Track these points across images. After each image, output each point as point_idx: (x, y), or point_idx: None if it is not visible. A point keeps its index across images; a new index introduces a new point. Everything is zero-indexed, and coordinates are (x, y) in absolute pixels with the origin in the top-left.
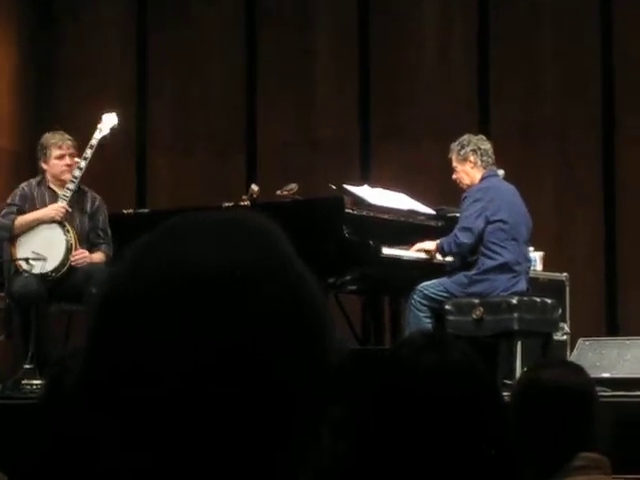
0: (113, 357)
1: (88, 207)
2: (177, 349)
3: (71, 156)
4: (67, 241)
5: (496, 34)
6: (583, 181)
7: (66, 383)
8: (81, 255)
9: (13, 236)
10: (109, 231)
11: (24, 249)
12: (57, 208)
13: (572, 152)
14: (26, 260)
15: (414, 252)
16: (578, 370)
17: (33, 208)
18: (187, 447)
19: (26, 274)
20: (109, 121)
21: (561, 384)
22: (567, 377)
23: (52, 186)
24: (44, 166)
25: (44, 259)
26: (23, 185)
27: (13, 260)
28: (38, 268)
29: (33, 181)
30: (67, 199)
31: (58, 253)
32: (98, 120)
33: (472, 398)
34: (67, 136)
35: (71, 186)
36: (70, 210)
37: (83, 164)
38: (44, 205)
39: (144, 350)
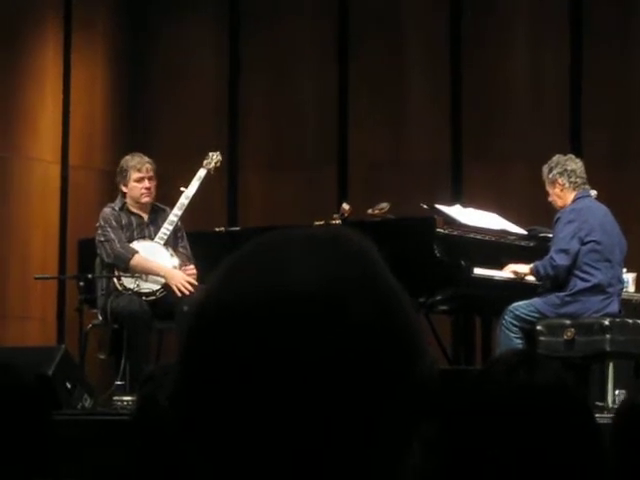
0: (205, 373)
1: None
2: (269, 365)
3: (150, 179)
4: (174, 266)
5: (589, 56)
6: None
7: (158, 400)
8: (193, 272)
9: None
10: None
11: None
12: (182, 281)
13: None
14: (131, 277)
15: (505, 272)
16: None
17: None
18: (278, 465)
19: (129, 292)
20: (214, 159)
21: None
22: None
23: (133, 209)
24: (124, 189)
25: (146, 277)
26: (109, 209)
27: (116, 276)
28: (140, 286)
29: (115, 206)
30: (168, 233)
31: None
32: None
33: (564, 418)
34: (146, 159)
35: (174, 218)
36: (196, 284)
37: (190, 194)
38: (131, 231)
39: (236, 366)
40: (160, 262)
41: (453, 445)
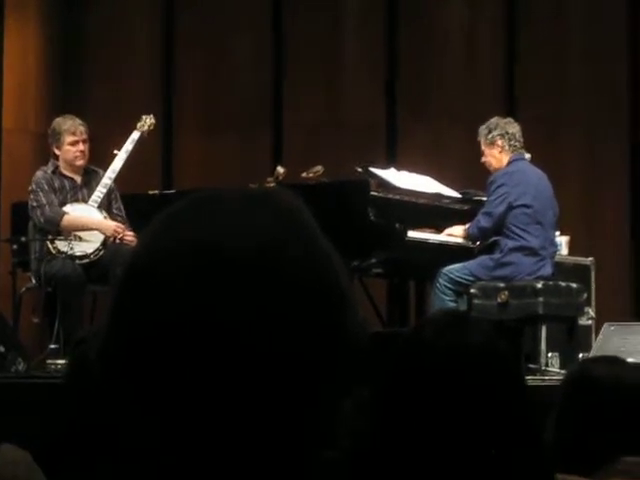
0: (132, 331)
1: None
2: (199, 320)
3: (84, 142)
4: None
5: (526, 20)
6: (609, 165)
7: (89, 362)
8: (131, 235)
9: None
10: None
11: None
12: (115, 228)
13: (598, 136)
14: (64, 241)
15: (439, 235)
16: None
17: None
18: (204, 420)
19: (62, 255)
20: (147, 122)
21: (614, 380)
22: (621, 373)
23: (66, 172)
24: (57, 152)
25: (79, 240)
26: (41, 173)
27: (50, 239)
28: (73, 249)
29: (47, 169)
30: (102, 195)
31: (97, 237)
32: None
33: (493, 378)
34: (79, 121)
35: (107, 181)
36: (124, 228)
37: (123, 156)
38: (64, 194)
39: (163, 325)
40: (90, 216)
41: (383, 406)
